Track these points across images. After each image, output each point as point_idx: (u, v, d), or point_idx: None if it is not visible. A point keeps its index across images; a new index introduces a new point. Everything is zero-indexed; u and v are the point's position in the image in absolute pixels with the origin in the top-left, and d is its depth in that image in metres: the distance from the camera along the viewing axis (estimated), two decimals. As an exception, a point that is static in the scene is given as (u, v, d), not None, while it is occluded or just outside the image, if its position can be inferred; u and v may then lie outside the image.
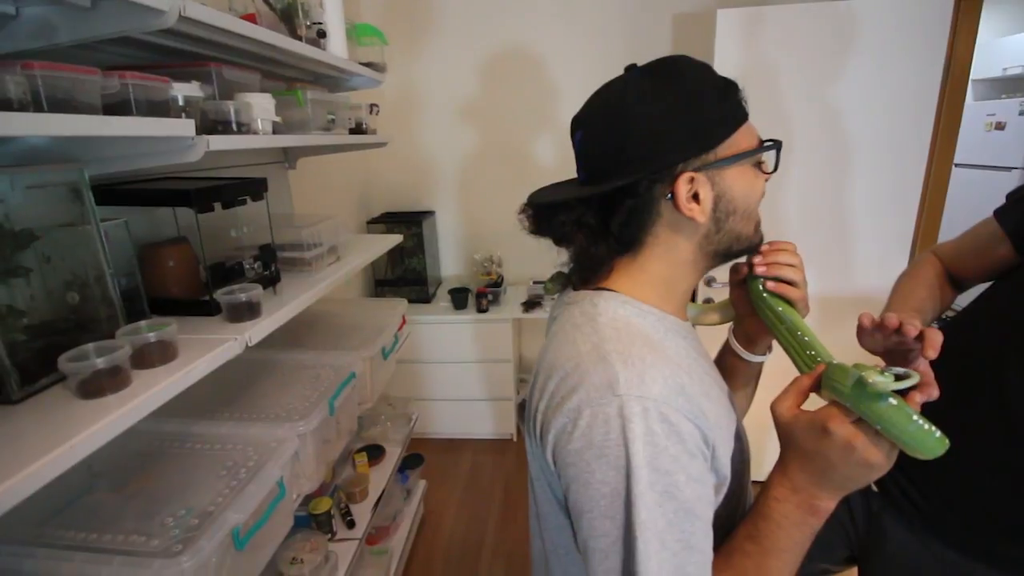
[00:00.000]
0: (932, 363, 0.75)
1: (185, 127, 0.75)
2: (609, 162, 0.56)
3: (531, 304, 2.48)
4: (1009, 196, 0.88)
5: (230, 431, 0.99)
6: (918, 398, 0.46)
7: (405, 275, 2.59)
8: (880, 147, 1.83)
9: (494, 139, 2.64)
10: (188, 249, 1.01)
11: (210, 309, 0.94)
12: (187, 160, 0.80)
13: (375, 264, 2.57)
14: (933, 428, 0.44)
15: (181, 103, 0.81)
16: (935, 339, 0.54)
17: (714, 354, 0.77)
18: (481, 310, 2.46)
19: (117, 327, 0.77)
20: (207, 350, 0.80)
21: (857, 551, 0.99)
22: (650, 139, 0.53)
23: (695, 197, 0.54)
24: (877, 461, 0.46)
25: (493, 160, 2.66)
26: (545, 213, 0.62)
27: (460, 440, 2.71)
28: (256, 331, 0.89)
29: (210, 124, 0.89)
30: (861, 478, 0.48)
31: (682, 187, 0.54)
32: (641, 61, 0.59)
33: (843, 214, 1.94)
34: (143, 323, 0.78)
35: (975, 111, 3.38)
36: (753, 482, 0.68)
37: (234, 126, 0.90)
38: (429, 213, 2.70)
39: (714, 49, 1.82)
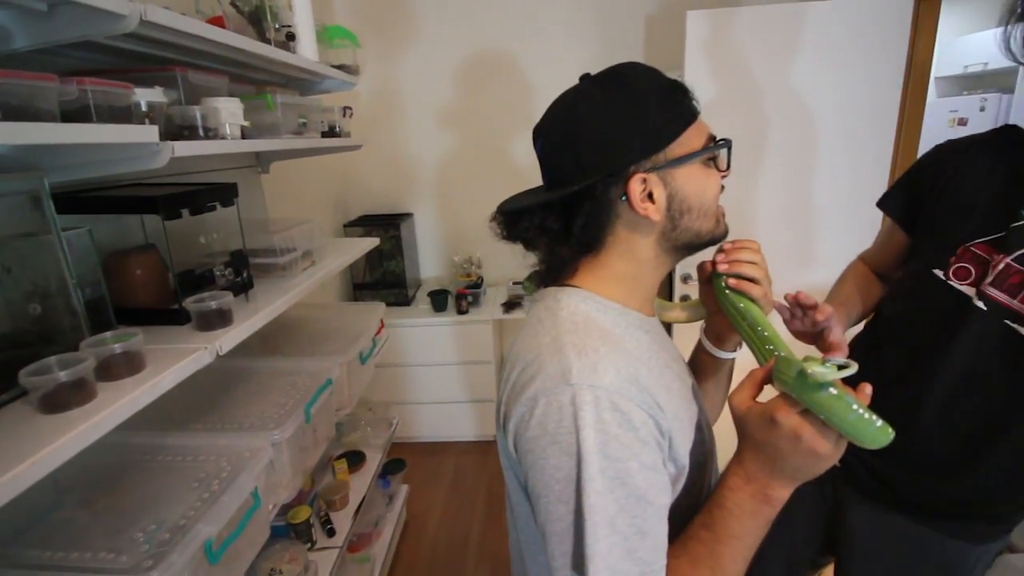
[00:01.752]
0: (884, 346, 0.82)
1: (148, 133, 0.73)
2: (566, 168, 0.59)
3: (511, 305, 2.48)
4: (883, 200, 0.97)
5: (202, 442, 0.97)
6: (868, 390, 0.47)
7: (384, 278, 2.57)
8: (846, 144, 1.88)
9: (471, 140, 2.64)
10: (156, 257, 0.99)
11: (179, 318, 0.92)
12: (152, 167, 0.78)
13: (353, 268, 2.55)
14: (874, 418, 0.45)
15: (144, 109, 0.79)
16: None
17: (690, 352, 0.79)
18: (461, 312, 2.46)
19: (81, 339, 0.75)
20: (176, 360, 0.79)
21: (826, 531, 1.02)
22: (601, 144, 0.56)
23: (650, 197, 0.57)
24: (824, 451, 0.48)
25: (471, 161, 2.66)
26: (512, 220, 0.63)
27: (442, 443, 2.70)
28: (227, 339, 0.87)
29: (176, 130, 0.88)
30: (811, 467, 0.50)
31: (635, 188, 0.56)
32: (615, 61, 0.61)
33: (810, 210, 1.98)
34: (108, 334, 0.77)
35: (938, 108, 3.48)
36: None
37: (201, 131, 0.89)
38: (407, 215, 2.69)
39: (684, 50, 1.84)
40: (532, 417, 0.52)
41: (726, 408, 0.78)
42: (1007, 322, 0.72)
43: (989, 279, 0.73)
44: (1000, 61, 3.22)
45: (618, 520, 0.49)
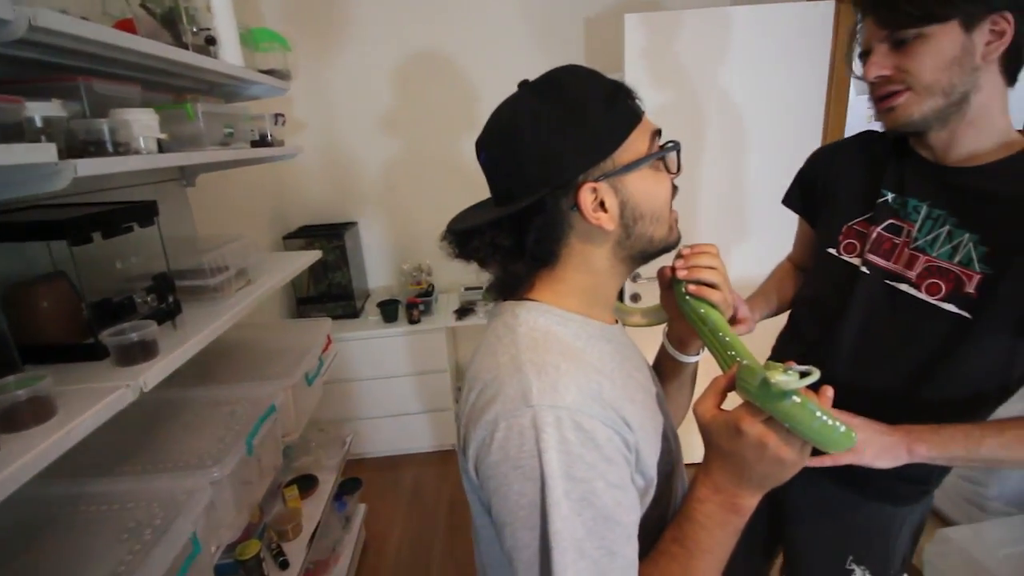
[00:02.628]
0: (801, 323, 0.98)
1: (43, 152, 0.65)
2: (512, 183, 0.56)
3: (464, 311, 2.44)
4: (785, 198, 1.10)
5: (131, 487, 0.88)
6: (830, 393, 0.48)
7: (329, 291, 2.47)
8: (777, 139, 1.96)
9: (415, 144, 2.58)
10: (65, 286, 0.89)
11: (96, 353, 0.83)
12: (52, 188, 0.70)
13: (296, 282, 2.43)
14: (838, 423, 0.45)
15: (39, 124, 0.71)
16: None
17: (652, 356, 0.78)
18: (413, 321, 2.39)
19: (-23, 386, 0.66)
20: (93, 402, 0.71)
21: (769, 511, 1.07)
22: (545, 156, 0.54)
23: (602, 206, 0.55)
24: (790, 458, 0.48)
25: (416, 166, 2.60)
26: (463, 239, 0.60)
27: (400, 456, 2.62)
28: (152, 374, 0.80)
29: (80, 146, 0.79)
30: (777, 475, 0.50)
31: (585, 197, 0.54)
32: (556, 64, 0.59)
33: (745, 207, 2.06)
34: (11, 379, 0.68)
35: (858, 105, 3.72)
36: (688, 464, 0.70)
37: (109, 147, 0.81)
38: (351, 224, 2.59)
39: (623, 52, 1.86)
40: (493, 441, 0.50)
41: (690, 412, 0.79)
42: (887, 281, 0.85)
43: (868, 247, 0.87)
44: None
45: (586, 544, 0.47)
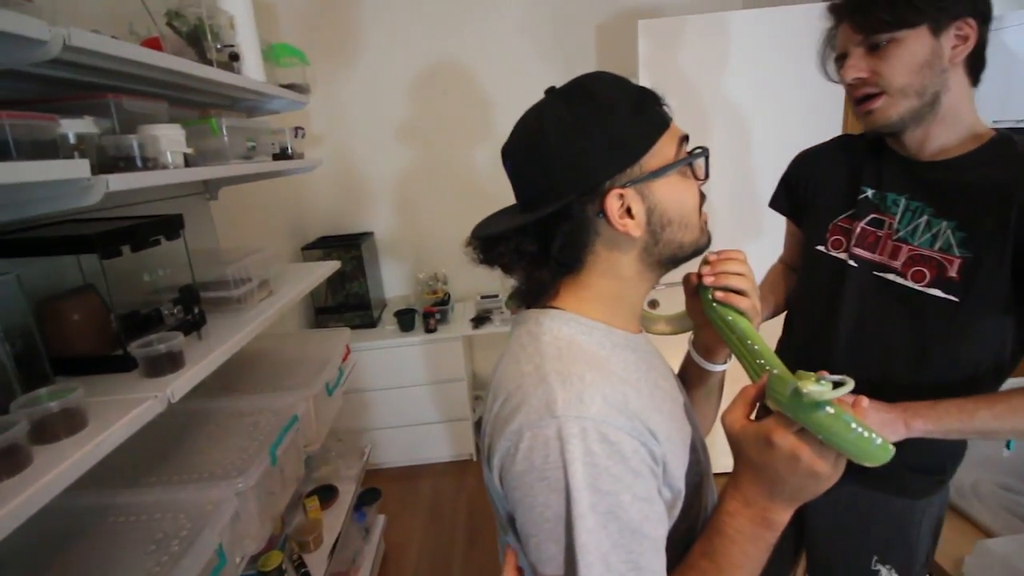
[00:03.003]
0: (794, 322, 0.98)
1: (77, 168, 0.66)
2: (538, 189, 0.56)
3: (480, 320, 2.44)
4: (772, 200, 1.13)
5: (157, 498, 0.89)
6: (864, 403, 0.46)
7: (347, 301, 2.49)
8: (795, 144, 1.93)
9: (430, 154, 2.60)
10: (95, 299, 0.90)
11: (125, 364, 0.85)
12: (84, 204, 0.71)
13: (314, 292, 2.45)
14: (874, 435, 0.43)
15: (72, 141, 0.72)
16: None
17: (677, 364, 0.77)
18: (429, 330, 2.40)
19: (12, 398, 0.68)
20: (122, 413, 0.72)
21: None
22: (572, 162, 0.54)
23: (628, 212, 0.55)
24: (824, 471, 0.46)
25: (431, 176, 2.62)
26: (487, 244, 0.61)
27: (418, 466, 2.62)
28: (179, 385, 0.80)
29: (110, 161, 0.81)
30: (811, 489, 0.48)
31: (612, 204, 0.54)
32: (569, 71, 0.60)
33: (759, 210, 2.03)
34: (43, 391, 0.69)
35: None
36: (717, 475, 0.68)
37: (138, 162, 0.82)
38: (367, 234, 2.61)
39: (637, 58, 1.86)
40: (517, 452, 0.49)
41: (718, 421, 0.77)
42: (875, 272, 0.89)
43: (854, 242, 0.91)
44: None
45: (612, 557, 0.46)
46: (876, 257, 0.89)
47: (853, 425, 0.43)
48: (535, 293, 0.60)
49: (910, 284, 0.85)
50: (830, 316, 0.94)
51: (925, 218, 0.84)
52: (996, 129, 0.82)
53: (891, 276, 0.87)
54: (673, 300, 0.65)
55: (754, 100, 1.91)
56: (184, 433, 1.10)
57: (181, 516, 0.85)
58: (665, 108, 0.57)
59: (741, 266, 0.62)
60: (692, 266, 0.65)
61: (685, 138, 0.58)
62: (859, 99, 0.83)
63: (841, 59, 0.84)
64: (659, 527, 0.50)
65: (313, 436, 1.27)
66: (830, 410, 0.43)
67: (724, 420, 0.52)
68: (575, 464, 0.46)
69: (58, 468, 0.61)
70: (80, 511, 0.89)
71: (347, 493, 1.73)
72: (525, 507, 0.49)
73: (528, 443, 0.49)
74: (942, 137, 0.82)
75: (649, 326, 0.75)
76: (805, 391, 0.42)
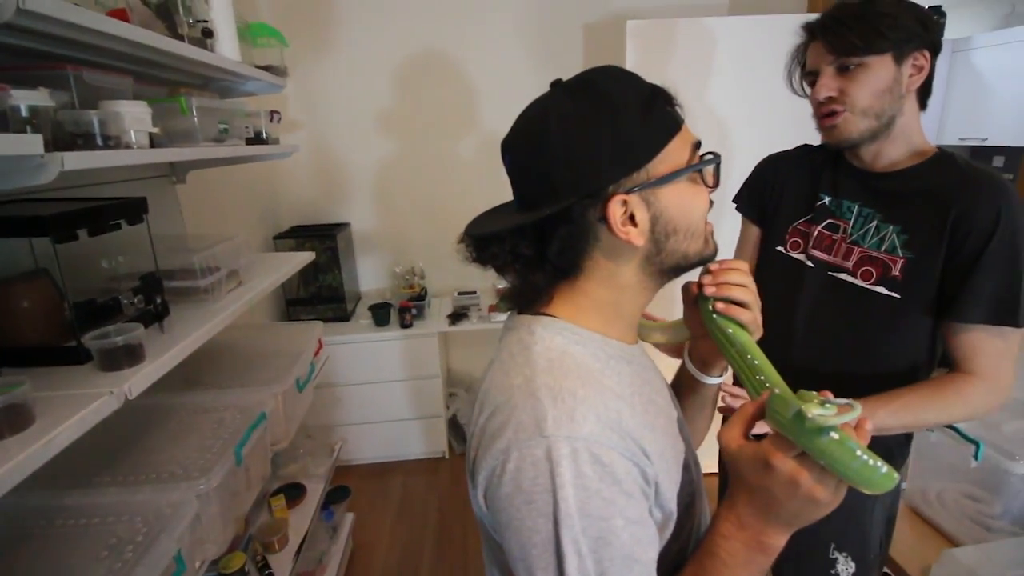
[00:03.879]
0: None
1: (29, 143, 0.61)
2: (538, 188, 0.53)
3: (457, 316, 2.41)
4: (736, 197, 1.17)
5: (112, 499, 0.83)
6: (868, 427, 0.44)
7: (320, 292, 2.42)
8: (776, 140, 1.95)
9: (411, 146, 2.54)
10: (48, 284, 0.84)
11: (78, 356, 0.79)
12: (36, 182, 0.65)
13: (285, 283, 2.37)
14: (879, 463, 0.42)
15: (24, 114, 0.66)
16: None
17: (670, 374, 0.75)
18: (405, 325, 2.35)
19: (-52, 392, 0.62)
20: (74, 410, 0.67)
21: None
22: (575, 163, 0.50)
23: (631, 219, 0.52)
24: (823, 498, 0.44)
25: (411, 167, 2.57)
26: (481, 244, 0.57)
27: (389, 463, 2.57)
28: (137, 380, 0.75)
29: (67, 138, 0.75)
30: (809, 514, 0.46)
31: (615, 210, 0.51)
32: (555, 68, 0.56)
33: (739, 218, 2.05)
34: (-16, 384, 0.63)
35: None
36: (705, 475, 0.67)
37: (99, 140, 0.76)
38: (343, 225, 2.55)
39: (625, 58, 1.85)
40: (504, 473, 0.46)
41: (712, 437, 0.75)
42: (829, 272, 0.96)
43: (811, 244, 0.99)
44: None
45: None
46: (831, 259, 0.97)
47: (858, 452, 0.41)
48: (528, 297, 0.57)
49: (859, 282, 0.93)
50: (789, 313, 1.00)
51: (875, 223, 0.92)
52: (939, 147, 0.91)
53: (843, 276, 0.95)
54: (659, 306, 0.62)
55: (737, 105, 1.92)
56: (142, 429, 1.04)
57: (137, 519, 0.79)
58: (677, 109, 0.54)
59: (744, 277, 0.60)
60: (692, 274, 0.63)
61: (697, 144, 0.55)
62: (824, 114, 0.90)
63: (810, 75, 0.92)
64: (650, 550, 0.48)
65: (281, 434, 1.22)
66: (835, 436, 0.41)
67: (720, 438, 0.50)
68: (565, 488, 0.44)
69: (0, 469, 0.56)
70: (24, 512, 0.82)
71: (315, 491, 1.69)
72: (512, 530, 0.47)
73: (515, 463, 0.46)
74: (892, 153, 0.91)
75: (643, 335, 0.72)
76: (810, 415, 0.40)
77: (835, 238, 0.97)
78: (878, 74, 0.84)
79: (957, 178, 0.86)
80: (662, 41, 1.85)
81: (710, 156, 0.55)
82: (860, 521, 0.99)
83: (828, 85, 0.87)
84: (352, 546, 2.04)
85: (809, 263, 0.99)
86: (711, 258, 0.59)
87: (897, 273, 0.89)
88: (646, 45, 1.85)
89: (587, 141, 0.50)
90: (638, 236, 0.52)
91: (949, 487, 1.18)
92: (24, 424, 0.64)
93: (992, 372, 0.85)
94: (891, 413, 0.84)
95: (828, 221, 0.98)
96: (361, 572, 1.98)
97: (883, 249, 0.91)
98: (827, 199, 0.99)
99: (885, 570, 1.16)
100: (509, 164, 0.56)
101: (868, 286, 0.92)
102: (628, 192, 0.51)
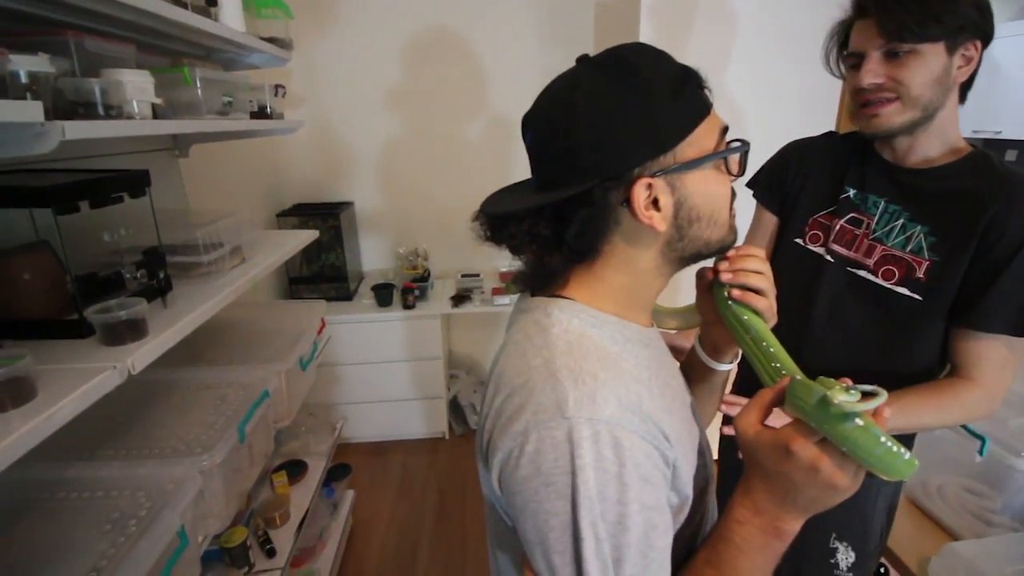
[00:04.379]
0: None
1: (29, 110, 0.59)
2: (560, 167, 0.51)
3: (460, 298, 2.40)
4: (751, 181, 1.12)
5: (115, 473, 0.83)
6: (886, 414, 0.44)
7: (323, 271, 2.41)
8: (791, 128, 1.92)
9: (416, 124, 2.51)
10: (49, 257, 0.83)
11: (80, 330, 0.78)
12: (36, 151, 0.64)
13: (288, 261, 2.36)
14: (902, 450, 0.42)
15: (24, 80, 0.64)
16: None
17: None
18: (407, 306, 2.35)
19: (-51, 363, 0.61)
20: (76, 384, 0.66)
21: None
22: (601, 143, 0.49)
23: (655, 204, 0.50)
24: (843, 484, 0.44)
25: (416, 147, 2.53)
26: (497, 223, 0.56)
27: (389, 442, 2.59)
28: (140, 355, 0.75)
29: (68, 106, 0.73)
30: (827, 500, 0.46)
31: (639, 193, 0.49)
32: (565, 47, 0.54)
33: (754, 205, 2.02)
34: (-14, 356, 0.63)
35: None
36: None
37: (100, 109, 0.74)
38: (347, 204, 2.53)
39: (639, 38, 1.81)
40: (523, 455, 0.46)
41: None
42: (848, 268, 0.94)
43: (832, 238, 0.96)
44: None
45: (620, 567, 0.45)
46: (851, 254, 0.94)
47: (882, 439, 0.41)
48: (543, 279, 0.56)
49: (880, 281, 0.90)
50: (805, 306, 0.97)
51: (901, 221, 0.89)
52: (973, 145, 0.87)
53: (863, 273, 0.92)
54: (665, 293, 0.61)
55: (755, 88, 1.88)
56: (145, 404, 1.03)
57: (140, 494, 0.79)
58: (707, 92, 0.52)
59: (760, 264, 0.58)
60: (707, 260, 0.61)
61: (725, 129, 0.53)
62: (866, 102, 0.84)
63: (852, 57, 0.85)
64: (666, 536, 0.48)
65: (284, 412, 1.22)
66: (859, 422, 0.41)
67: (737, 424, 0.49)
68: (586, 470, 0.43)
69: (2, 443, 0.55)
70: (29, 484, 0.83)
71: (316, 469, 1.70)
72: (529, 513, 0.46)
73: (535, 445, 0.45)
74: (927, 148, 0.87)
75: (656, 320, 0.71)
76: (836, 401, 0.40)
77: (857, 233, 0.93)
78: (929, 63, 0.78)
79: (993, 181, 0.82)
80: (679, 20, 1.81)
81: (738, 143, 0.53)
82: (862, 512, 0.98)
83: (875, 71, 0.81)
84: (352, 523, 2.06)
85: (828, 257, 0.96)
86: (731, 246, 0.57)
87: (921, 275, 0.86)
88: (661, 23, 1.81)
89: (616, 120, 0.48)
90: (661, 221, 0.50)
91: (950, 481, 1.17)
92: (26, 397, 0.63)
93: (993, 380, 0.83)
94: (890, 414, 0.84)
95: (851, 215, 0.94)
96: (361, 548, 2.01)
97: (908, 249, 0.87)
98: (852, 192, 0.95)
99: (883, 561, 1.17)
100: (530, 140, 0.54)
101: (889, 286, 0.89)
102: (653, 175, 0.49)
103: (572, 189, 0.49)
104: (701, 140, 0.50)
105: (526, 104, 0.55)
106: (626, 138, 0.48)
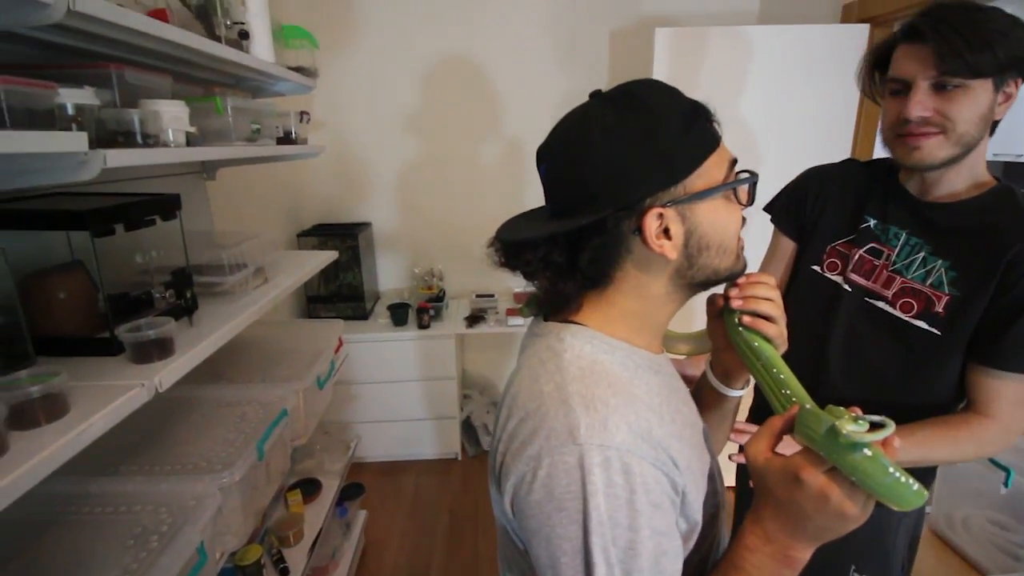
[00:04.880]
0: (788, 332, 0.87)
1: (74, 141, 0.63)
2: (574, 198, 0.53)
3: (474, 319, 2.41)
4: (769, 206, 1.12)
5: (137, 489, 0.85)
6: (896, 444, 0.44)
7: (340, 291, 2.45)
8: (805, 161, 1.93)
9: (433, 148, 2.56)
10: (83, 276, 0.87)
11: (111, 348, 0.81)
12: (79, 179, 0.67)
13: (307, 280, 2.41)
14: (911, 481, 0.42)
15: (70, 112, 0.68)
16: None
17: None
18: (422, 326, 2.37)
19: (-10, 377, 0.64)
20: (107, 401, 0.68)
21: None
22: (614, 174, 0.51)
23: (666, 233, 0.52)
24: (853, 513, 0.45)
25: (432, 169, 2.58)
26: (513, 249, 0.57)
27: (402, 462, 2.59)
28: (168, 373, 0.77)
29: (109, 135, 0.77)
30: (837, 529, 0.47)
31: (650, 223, 0.51)
32: (581, 75, 0.56)
33: (768, 231, 2.02)
34: (23, 374, 0.66)
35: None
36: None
37: (139, 138, 0.78)
38: (365, 225, 2.57)
39: (652, 66, 1.84)
40: (535, 480, 0.47)
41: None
42: (866, 299, 0.93)
43: (850, 267, 0.95)
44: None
45: None
46: (870, 284, 0.93)
47: (891, 469, 0.41)
48: (556, 305, 0.58)
49: (898, 314, 0.89)
50: (822, 337, 0.97)
51: (922, 254, 0.88)
52: (997, 178, 0.86)
53: (881, 304, 0.91)
54: (677, 318, 0.62)
55: (765, 116, 1.90)
56: (167, 420, 1.06)
57: (162, 510, 0.81)
58: (716, 126, 0.54)
59: (770, 291, 0.60)
60: (717, 287, 0.62)
61: (734, 161, 0.55)
62: (911, 133, 0.81)
63: (897, 83, 0.82)
64: (676, 561, 0.48)
65: (301, 430, 1.23)
66: (868, 452, 0.42)
67: (748, 451, 0.50)
68: (597, 496, 0.44)
69: (37, 457, 0.58)
70: (52, 498, 0.85)
71: (330, 488, 1.70)
72: (542, 537, 0.47)
73: (547, 470, 0.46)
74: (955, 182, 0.86)
75: (667, 346, 0.72)
76: (844, 431, 0.41)
77: (876, 264, 0.93)
78: (978, 99, 0.77)
79: (1016, 217, 0.81)
80: (690, 49, 1.84)
81: (747, 175, 0.55)
82: (883, 543, 0.96)
83: (924, 104, 0.78)
84: (364, 543, 2.05)
85: (846, 287, 0.95)
86: (740, 274, 0.59)
87: (940, 310, 0.85)
88: (674, 53, 1.84)
89: (628, 153, 0.50)
90: (672, 249, 0.52)
91: (975, 513, 1.14)
92: (60, 413, 0.65)
93: (1009, 418, 0.82)
94: (903, 448, 0.83)
95: (871, 245, 0.94)
96: (373, 568, 2.00)
97: (929, 283, 0.87)
98: (873, 222, 0.94)
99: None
100: (545, 172, 0.56)
101: (908, 318, 0.88)
102: (664, 205, 0.51)
103: (586, 218, 0.51)
104: (711, 172, 0.52)
105: (540, 128, 0.57)
106: (638, 170, 0.50)
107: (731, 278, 0.58)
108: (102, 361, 0.79)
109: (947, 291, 0.85)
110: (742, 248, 0.58)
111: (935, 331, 0.85)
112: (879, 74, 0.89)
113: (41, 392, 0.63)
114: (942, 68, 0.76)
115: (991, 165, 0.88)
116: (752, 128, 1.91)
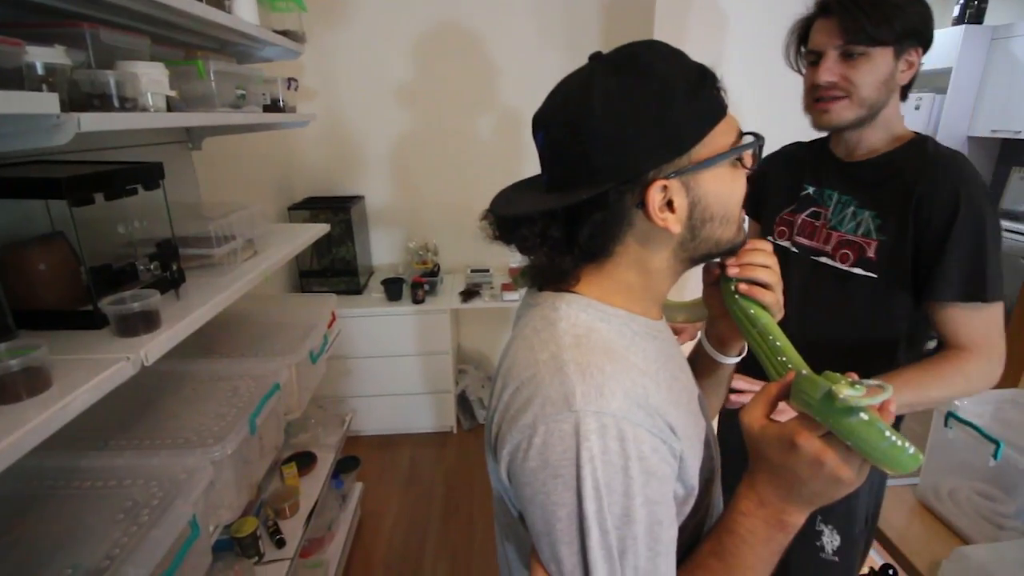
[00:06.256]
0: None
1: (45, 102, 0.59)
2: (573, 169, 0.50)
3: (469, 293, 2.40)
4: None
5: (128, 463, 0.84)
6: (892, 408, 0.44)
7: (333, 265, 2.42)
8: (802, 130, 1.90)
9: (427, 119, 2.50)
10: (64, 248, 0.84)
11: (94, 321, 0.79)
12: (52, 143, 0.64)
13: (299, 254, 2.37)
14: (907, 444, 0.42)
15: (40, 72, 0.65)
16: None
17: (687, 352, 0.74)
18: (417, 301, 2.35)
19: (-33, 352, 0.62)
20: (90, 375, 0.67)
21: None
22: (617, 146, 0.48)
23: (669, 205, 0.50)
24: (847, 477, 0.44)
25: (426, 142, 2.53)
26: (508, 224, 0.55)
27: (398, 436, 2.60)
28: (153, 347, 0.75)
29: (83, 98, 0.73)
30: (831, 493, 0.46)
31: (654, 196, 0.48)
32: (576, 38, 0.52)
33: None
34: (3, 347, 0.64)
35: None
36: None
37: (115, 101, 0.75)
38: (358, 198, 2.53)
39: (653, 32, 1.79)
40: (531, 447, 0.46)
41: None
42: (812, 257, 1.02)
43: (795, 231, 1.05)
44: (934, 63, 3.40)
45: (625, 559, 0.45)
46: (813, 243, 1.03)
47: (887, 433, 0.41)
48: (552, 278, 0.56)
49: (839, 265, 0.98)
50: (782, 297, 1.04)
51: (852, 209, 0.97)
52: (916, 132, 0.96)
53: (824, 259, 1.00)
54: (674, 288, 0.61)
55: (773, 88, 1.86)
56: (157, 395, 1.04)
57: (152, 484, 0.80)
58: (723, 92, 0.51)
59: (768, 258, 0.58)
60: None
61: (741, 132, 0.53)
62: (822, 98, 0.92)
63: (812, 54, 0.93)
64: (671, 528, 0.48)
65: (294, 404, 1.22)
66: (864, 416, 0.41)
67: (743, 418, 0.49)
68: (592, 463, 0.44)
69: (17, 432, 0.56)
70: (45, 473, 0.84)
71: (326, 461, 1.71)
72: (537, 504, 0.46)
73: (542, 438, 0.46)
74: (872, 140, 0.96)
75: (663, 313, 0.71)
76: (841, 396, 0.40)
77: (816, 224, 1.02)
78: (878, 66, 0.87)
79: (920, 162, 0.90)
80: (695, 13, 1.79)
81: (751, 138, 0.52)
82: (847, 495, 0.99)
83: (831, 69, 0.89)
84: (360, 514, 2.08)
85: (794, 249, 1.05)
86: (741, 246, 0.57)
87: (872, 255, 0.94)
88: (678, 17, 1.79)
89: (632, 123, 0.47)
90: (675, 223, 0.50)
91: (963, 484, 1.16)
92: (41, 387, 0.64)
93: (982, 343, 0.87)
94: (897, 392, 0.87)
95: (811, 209, 1.04)
96: (369, 540, 2.02)
97: (860, 233, 0.96)
98: (811, 189, 1.05)
99: (892, 564, 1.16)
100: (542, 141, 0.52)
101: (847, 268, 0.97)
102: (668, 177, 0.48)
103: (586, 192, 0.48)
104: (716, 140, 0.50)
105: (535, 99, 0.54)
106: (642, 141, 0.47)
107: (731, 251, 0.57)
108: (85, 334, 0.78)
109: (875, 237, 0.93)
110: (743, 219, 0.56)
111: (871, 274, 0.94)
112: (803, 48, 0.98)
113: (21, 365, 0.61)
114: (846, 38, 0.86)
115: (990, 141, 0.92)
116: (735, 97, 1.87)
